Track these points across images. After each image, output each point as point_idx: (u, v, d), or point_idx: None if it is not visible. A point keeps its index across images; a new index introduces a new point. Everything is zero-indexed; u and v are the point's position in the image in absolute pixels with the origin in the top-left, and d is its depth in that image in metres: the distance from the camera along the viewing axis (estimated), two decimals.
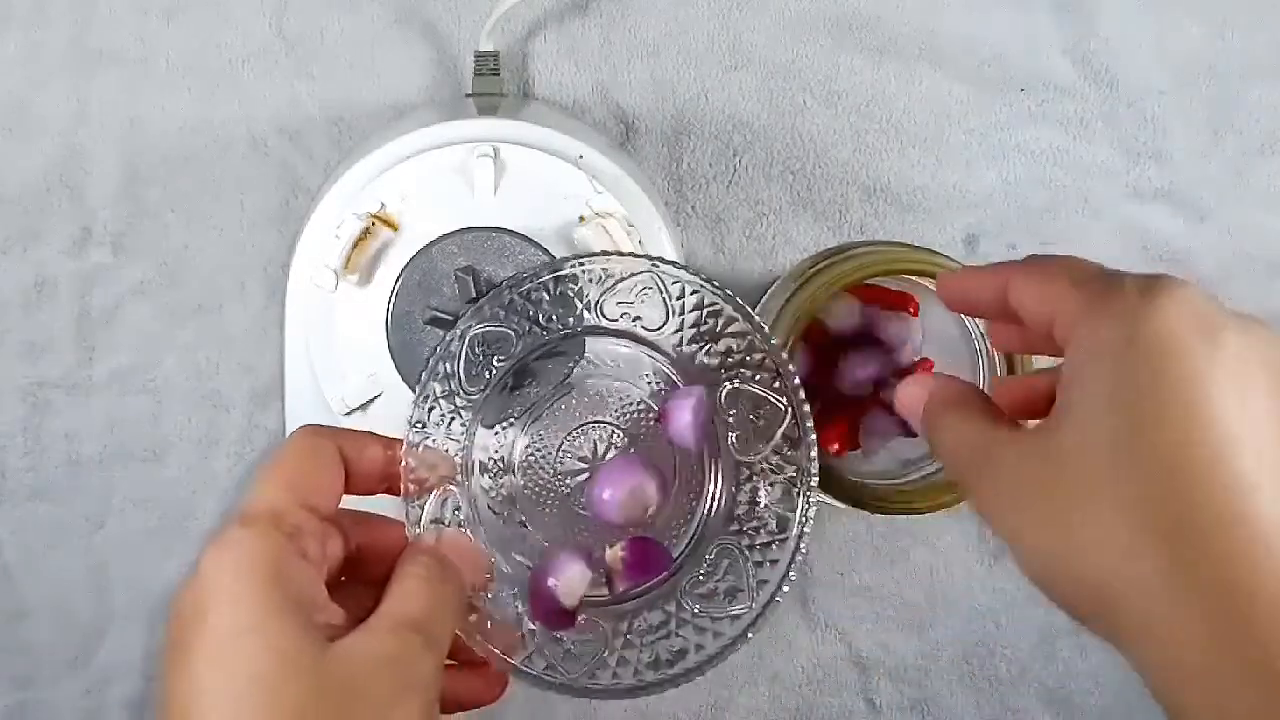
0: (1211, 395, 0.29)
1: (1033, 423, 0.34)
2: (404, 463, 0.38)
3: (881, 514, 0.49)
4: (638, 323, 0.42)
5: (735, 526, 0.42)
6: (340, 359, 0.46)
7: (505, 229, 0.45)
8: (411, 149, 0.45)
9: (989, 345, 0.52)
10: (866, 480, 0.49)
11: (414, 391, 0.39)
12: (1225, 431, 0.28)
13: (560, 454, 0.43)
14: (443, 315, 0.44)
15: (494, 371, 0.41)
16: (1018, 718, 0.56)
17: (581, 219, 0.45)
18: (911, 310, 0.51)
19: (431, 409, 0.39)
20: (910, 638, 0.56)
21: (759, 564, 0.41)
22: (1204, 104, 0.54)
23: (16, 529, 0.54)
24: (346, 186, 0.46)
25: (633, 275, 0.40)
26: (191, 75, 0.53)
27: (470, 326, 0.40)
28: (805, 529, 0.41)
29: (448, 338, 0.40)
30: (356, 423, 0.45)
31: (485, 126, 0.46)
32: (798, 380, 0.41)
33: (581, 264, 0.40)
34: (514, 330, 0.41)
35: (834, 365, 0.50)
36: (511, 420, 0.42)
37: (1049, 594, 0.32)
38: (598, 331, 0.42)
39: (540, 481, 0.43)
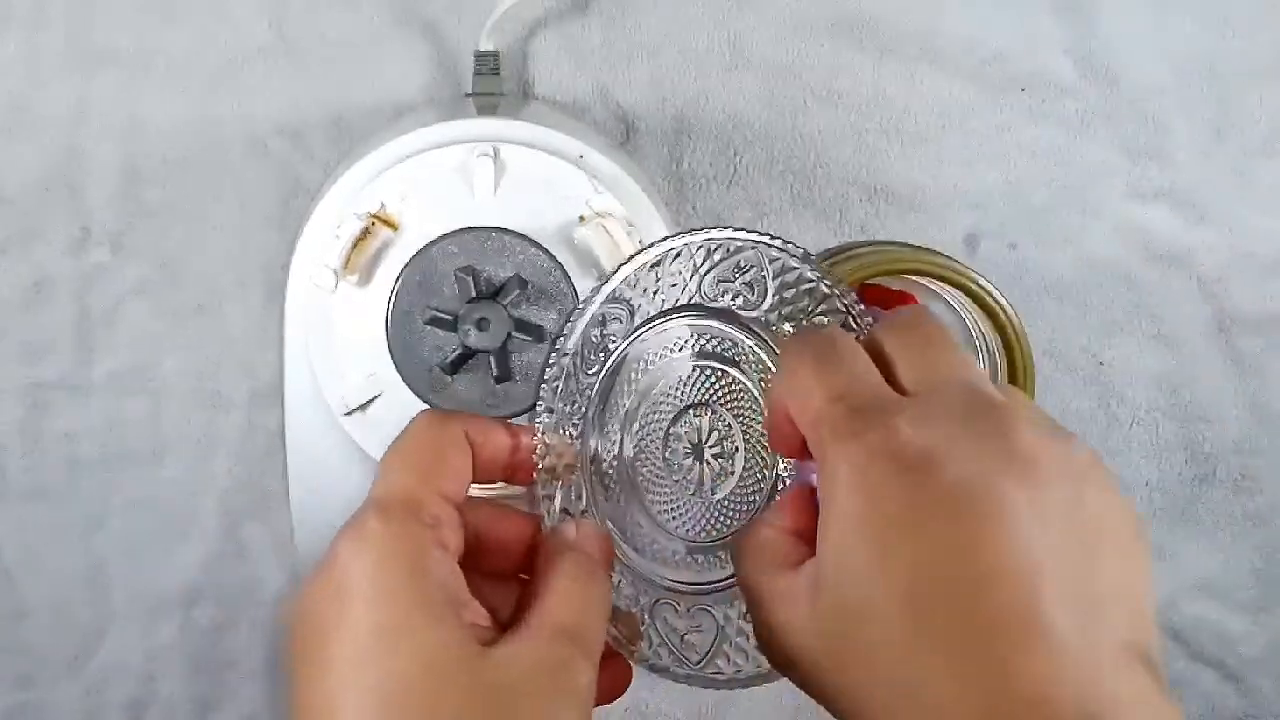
0: (921, 545, 0.28)
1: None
2: (537, 449, 0.37)
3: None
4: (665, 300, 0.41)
5: None
6: (340, 359, 0.46)
7: (505, 229, 0.45)
8: (411, 149, 0.45)
9: (990, 344, 0.52)
10: None
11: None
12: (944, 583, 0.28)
13: (668, 446, 0.42)
14: (443, 315, 0.44)
15: (599, 366, 0.41)
16: None
17: (581, 219, 0.45)
18: None
19: (551, 402, 0.39)
20: None
21: None
22: (1205, 104, 0.54)
23: (16, 529, 0.54)
24: (346, 186, 0.46)
25: (658, 259, 0.40)
26: (191, 75, 0.53)
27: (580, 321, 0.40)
28: None
29: (566, 331, 0.40)
30: (356, 423, 0.45)
31: (485, 126, 0.46)
32: (861, 306, 0.39)
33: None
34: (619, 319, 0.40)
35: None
36: (616, 430, 0.42)
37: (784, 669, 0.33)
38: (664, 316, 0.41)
39: (653, 473, 0.42)
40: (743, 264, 0.40)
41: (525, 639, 0.31)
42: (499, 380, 0.44)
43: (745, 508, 0.42)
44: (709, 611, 0.40)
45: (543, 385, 0.40)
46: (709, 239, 0.39)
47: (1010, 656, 0.27)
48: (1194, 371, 0.55)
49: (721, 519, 0.42)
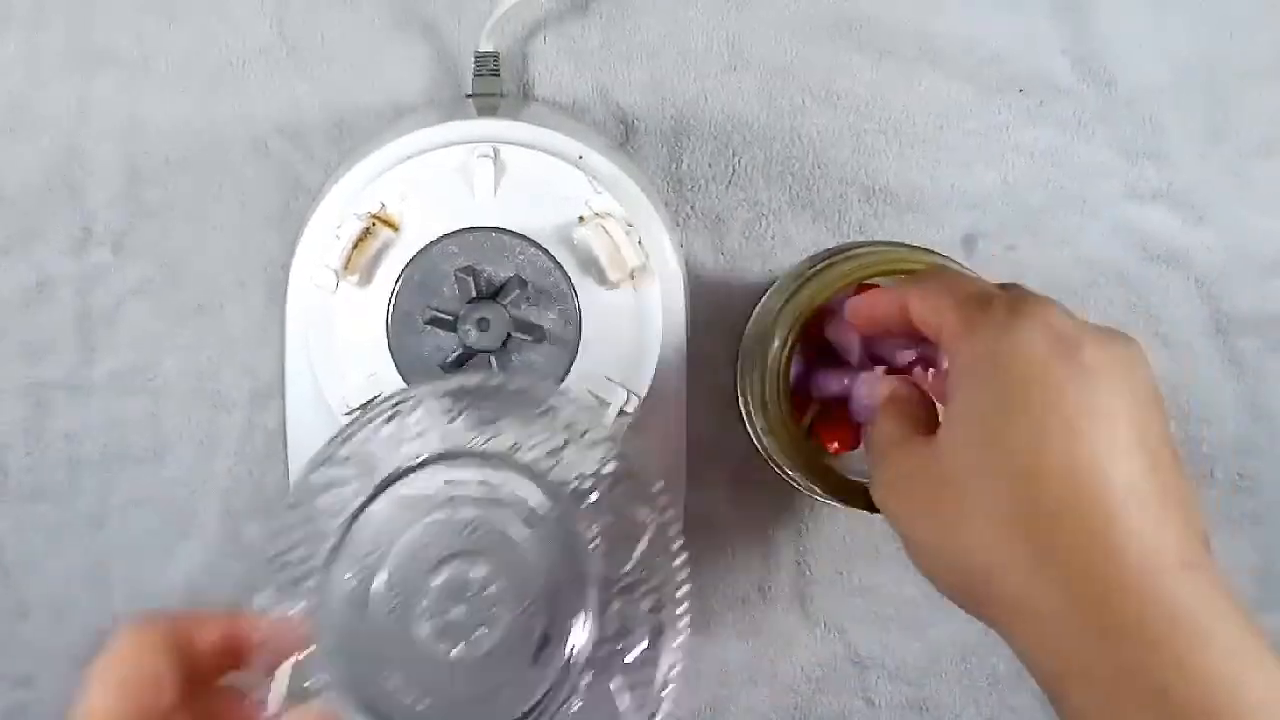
0: (1063, 401, 0.33)
1: None
2: (256, 638, 0.36)
3: (881, 513, 0.49)
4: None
5: (604, 650, 0.38)
6: (340, 359, 0.46)
7: (505, 229, 0.45)
8: (411, 149, 0.45)
9: None
10: (867, 480, 0.49)
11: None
12: (1075, 430, 0.33)
13: (419, 601, 0.38)
14: (443, 315, 0.44)
15: (332, 537, 0.38)
16: (1017, 717, 0.56)
17: (581, 219, 0.45)
18: None
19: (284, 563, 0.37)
20: (910, 637, 0.56)
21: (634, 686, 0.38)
22: (1203, 104, 0.54)
23: (16, 529, 0.54)
24: (346, 187, 0.46)
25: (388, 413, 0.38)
26: (191, 75, 0.53)
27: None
28: (680, 639, 0.38)
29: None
30: None
31: (485, 127, 0.46)
32: (659, 486, 0.38)
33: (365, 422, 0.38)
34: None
35: (834, 364, 0.50)
36: (358, 575, 0.39)
37: (934, 581, 0.37)
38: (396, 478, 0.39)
39: (402, 629, 0.38)
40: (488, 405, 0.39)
41: None
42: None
43: (504, 665, 0.39)
44: None
45: (267, 560, 0.37)
46: (449, 389, 0.38)
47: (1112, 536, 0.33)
48: (1192, 372, 0.55)
49: (476, 678, 0.38)
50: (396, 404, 0.39)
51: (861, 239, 0.54)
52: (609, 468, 0.39)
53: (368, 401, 0.42)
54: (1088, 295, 0.55)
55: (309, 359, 0.46)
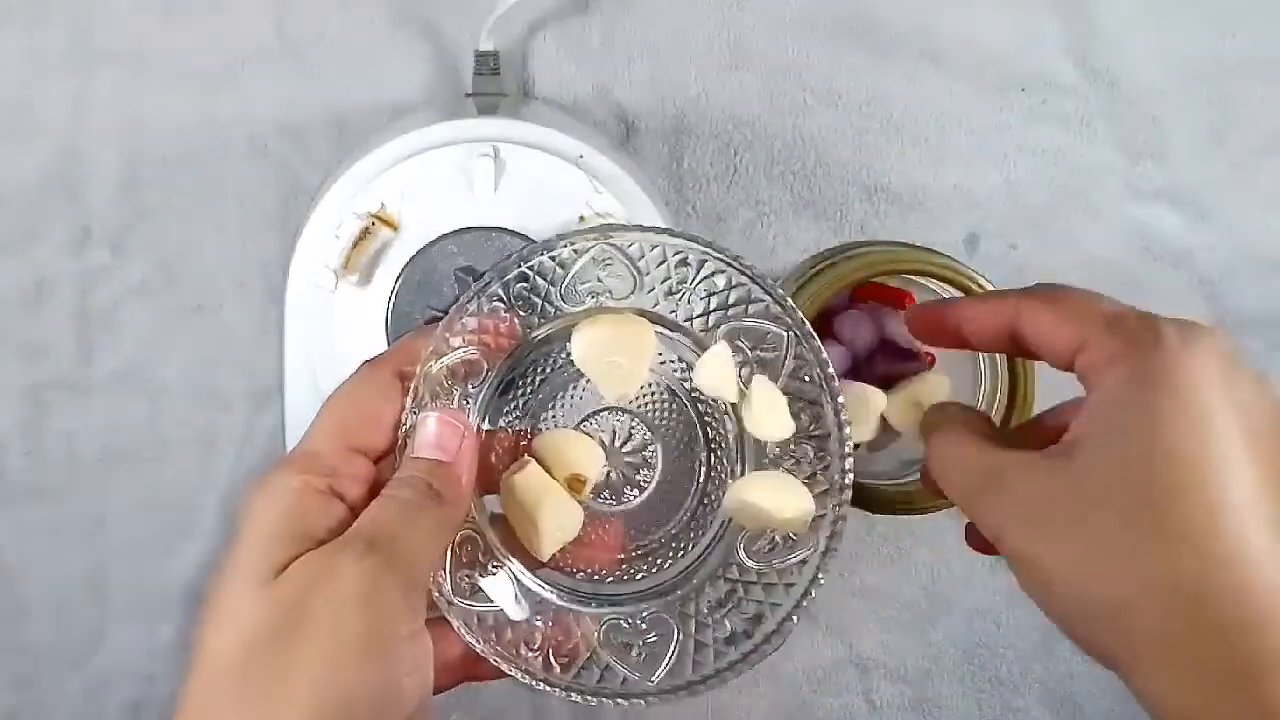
0: (1226, 438, 0.32)
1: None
2: (433, 347, 0.38)
3: (882, 514, 0.49)
4: (606, 297, 0.40)
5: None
6: (340, 359, 0.45)
7: (505, 229, 0.45)
8: (411, 149, 0.45)
9: None
10: (867, 480, 0.49)
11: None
12: (1233, 472, 0.31)
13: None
14: (442, 315, 0.44)
15: (487, 374, 0.40)
16: (1019, 718, 0.56)
17: (581, 219, 0.45)
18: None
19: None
20: (911, 638, 0.56)
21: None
22: (1205, 104, 0.54)
23: (16, 529, 0.54)
24: (346, 186, 0.46)
25: (587, 251, 0.39)
26: (191, 75, 0.53)
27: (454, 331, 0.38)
28: (847, 446, 0.39)
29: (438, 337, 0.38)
30: None
31: (485, 126, 0.46)
32: (790, 302, 0.39)
33: (540, 253, 0.39)
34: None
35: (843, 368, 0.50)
36: (514, 419, 0.41)
37: (1062, 616, 0.34)
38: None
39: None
40: (680, 270, 0.39)
41: (318, 550, 0.33)
42: None
43: (650, 525, 0.41)
44: (663, 617, 0.39)
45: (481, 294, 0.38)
46: (681, 244, 0.39)
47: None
48: None
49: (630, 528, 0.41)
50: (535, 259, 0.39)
51: (863, 238, 0.54)
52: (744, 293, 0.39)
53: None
54: None
55: (308, 359, 0.46)
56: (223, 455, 0.54)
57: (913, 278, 0.50)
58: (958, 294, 0.51)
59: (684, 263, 0.39)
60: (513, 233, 0.45)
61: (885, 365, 0.50)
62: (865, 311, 0.51)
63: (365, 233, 0.44)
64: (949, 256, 0.48)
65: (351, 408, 0.37)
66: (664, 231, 0.39)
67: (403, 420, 0.37)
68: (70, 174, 0.53)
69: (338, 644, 0.31)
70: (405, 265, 0.45)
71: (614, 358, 0.40)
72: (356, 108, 0.53)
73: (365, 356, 0.45)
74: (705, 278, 0.39)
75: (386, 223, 0.45)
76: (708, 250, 0.39)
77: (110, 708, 0.55)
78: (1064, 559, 0.33)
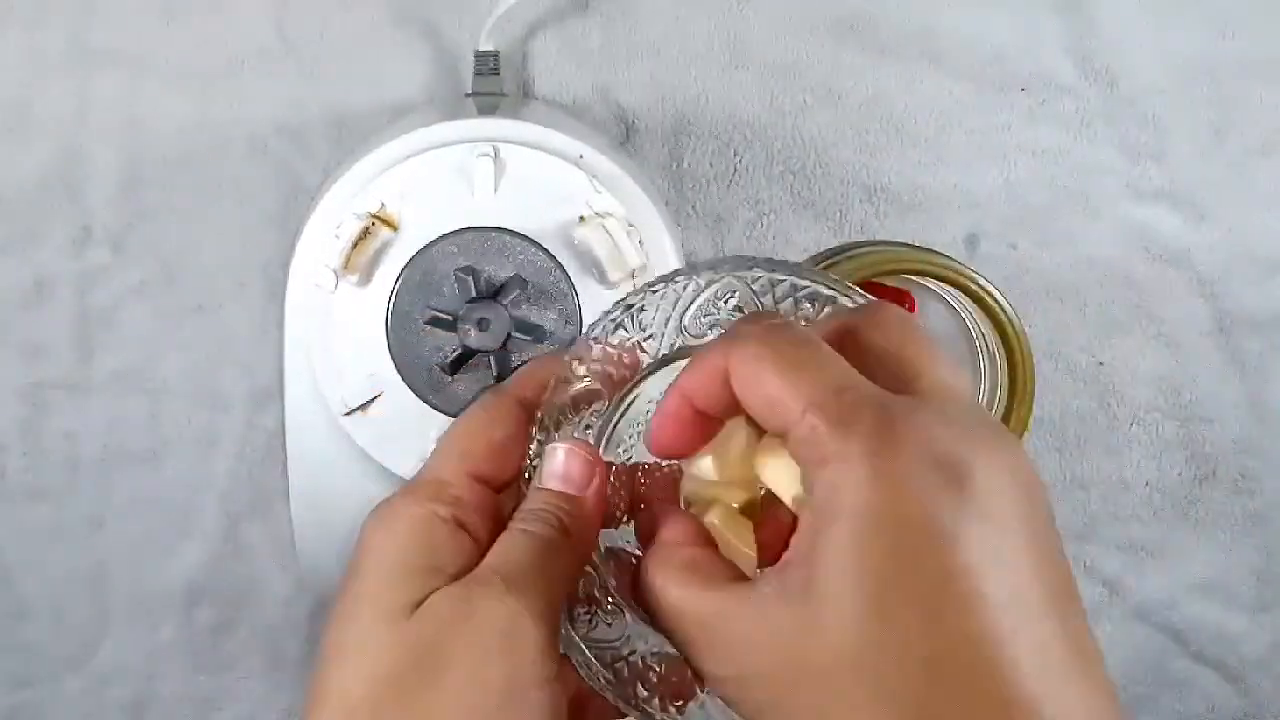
0: (955, 559, 0.26)
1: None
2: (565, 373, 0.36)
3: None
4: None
5: None
6: (340, 359, 0.46)
7: (505, 229, 0.45)
8: (411, 149, 0.45)
9: (990, 344, 0.52)
10: None
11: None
12: (977, 596, 0.26)
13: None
14: (443, 315, 0.44)
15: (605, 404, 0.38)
16: None
17: (581, 219, 0.45)
18: (909, 308, 0.51)
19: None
20: None
21: None
22: (1205, 104, 0.54)
23: (16, 529, 0.54)
24: (346, 186, 0.46)
25: (713, 284, 0.36)
26: (191, 75, 0.53)
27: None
28: None
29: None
30: (356, 423, 0.45)
31: (485, 126, 0.46)
32: None
33: (666, 284, 0.37)
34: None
35: None
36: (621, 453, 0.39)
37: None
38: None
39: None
40: (721, 292, 0.37)
41: (454, 586, 0.31)
42: (499, 380, 0.44)
43: None
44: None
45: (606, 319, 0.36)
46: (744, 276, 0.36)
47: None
48: (1194, 371, 0.55)
49: None
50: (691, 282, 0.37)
51: (863, 239, 0.54)
52: None
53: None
54: (1089, 295, 0.55)
55: (308, 359, 0.46)
56: (223, 455, 0.54)
57: (913, 278, 0.50)
58: (957, 293, 0.51)
59: (813, 298, 0.36)
60: (513, 233, 0.45)
61: None
62: None
63: (365, 233, 0.44)
64: (949, 256, 0.48)
65: (475, 435, 0.35)
66: (795, 269, 0.36)
67: (529, 451, 0.36)
68: (70, 174, 0.53)
69: (477, 690, 0.30)
70: (405, 265, 0.45)
71: None
72: (356, 108, 0.53)
73: (365, 356, 0.45)
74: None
75: (386, 223, 0.45)
76: (835, 288, 0.36)
77: (110, 708, 0.55)
78: None
